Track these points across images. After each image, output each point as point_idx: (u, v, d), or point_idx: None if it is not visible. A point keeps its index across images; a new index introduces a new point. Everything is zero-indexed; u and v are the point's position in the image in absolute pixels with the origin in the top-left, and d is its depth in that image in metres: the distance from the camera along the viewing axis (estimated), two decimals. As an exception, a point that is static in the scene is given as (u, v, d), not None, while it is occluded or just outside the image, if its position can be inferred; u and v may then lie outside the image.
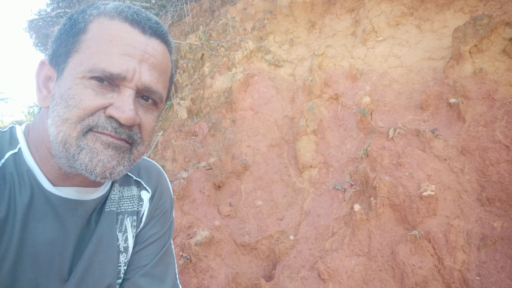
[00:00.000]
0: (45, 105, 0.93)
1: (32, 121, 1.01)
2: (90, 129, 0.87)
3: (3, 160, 0.91)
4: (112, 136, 0.88)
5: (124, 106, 0.87)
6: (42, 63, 0.95)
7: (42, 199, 0.93)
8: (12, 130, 0.98)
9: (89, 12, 0.91)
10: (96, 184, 1.03)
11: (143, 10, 0.96)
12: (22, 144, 0.95)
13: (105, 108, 0.87)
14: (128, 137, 0.91)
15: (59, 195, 0.95)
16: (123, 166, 0.92)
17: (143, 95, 0.93)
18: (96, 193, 1.05)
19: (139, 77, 0.88)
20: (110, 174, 0.89)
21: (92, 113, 0.86)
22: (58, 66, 0.90)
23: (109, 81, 0.87)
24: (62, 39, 0.91)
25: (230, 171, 3.32)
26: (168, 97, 1.08)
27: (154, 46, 0.92)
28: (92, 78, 0.85)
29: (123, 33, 0.88)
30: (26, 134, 0.98)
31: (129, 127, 0.90)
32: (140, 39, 0.90)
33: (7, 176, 0.90)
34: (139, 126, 0.93)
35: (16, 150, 0.94)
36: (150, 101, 0.95)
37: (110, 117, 0.87)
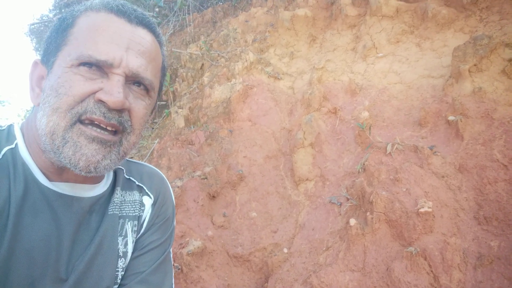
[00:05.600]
0: (37, 103, 0.94)
1: (26, 119, 1.02)
2: (78, 119, 0.87)
3: (0, 156, 0.91)
4: (100, 122, 0.88)
5: (112, 89, 0.87)
6: (35, 63, 0.97)
7: (37, 193, 0.92)
8: (10, 128, 0.99)
9: (77, 8, 0.95)
10: (92, 181, 1.03)
11: (129, 3, 0.99)
12: (19, 139, 0.95)
13: (94, 93, 0.88)
14: (118, 123, 0.91)
15: (54, 189, 0.95)
16: (110, 160, 0.92)
17: (134, 81, 0.94)
18: (93, 191, 1.04)
19: (126, 64, 0.90)
20: (95, 169, 0.89)
21: (82, 100, 0.87)
22: (48, 62, 0.92)
23: (97, 67, 0.88)
24: (52, 37, 0.94)
25: (226, 181, 3.29)
26: (160, 91, 1.09)
27: (140, 34, 0.95)
28: (80, 64, 0.87)
29: (109, 22, 0.91)
30: (22, 130, 0.98)
31: (119, 112, 0.90)
32: (126, 28, 0.92)
33: (4, 170, 0.90)
34: (129, 112, 0.93)
35: (13, 146, 0.94)
36: (142, 86, 0.96)
37: (99, 102, 0.87)
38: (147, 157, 3.99)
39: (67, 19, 0.93)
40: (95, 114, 0.87)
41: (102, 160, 0.89)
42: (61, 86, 0.86)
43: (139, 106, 0.95)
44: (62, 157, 0.87)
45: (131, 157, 3.82)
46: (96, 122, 0.88)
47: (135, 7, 0.98)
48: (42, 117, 0.88)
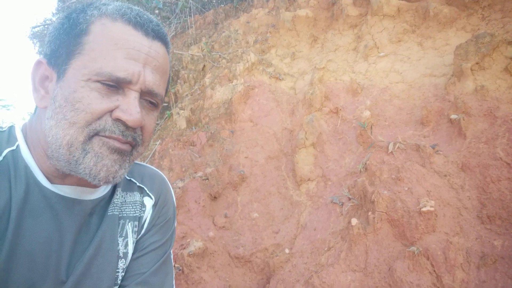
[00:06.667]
0: (42, 106, 0.92)
1: (29, 120, 1.00)
2: (96, 134, 0.87)
3: (0, 158, 0.90)
4: (119, 140, 0.89)
5: (131, 108, 0.87)
6: (39, 63, 0.94)
7: (38, 195, 0.92)
8: (11, 129, 0.98)
9: (90, 12, 0.91)
10: (95, 185, 1.02)
11: (144, 12, 0.96)
12: (20, 141, 0.95)
13: (111, 111, 0.87)
14: (133, 139, 0.92)
15: (56, 192, 0.94)
16: (124, 169, 0.93)
17: (146, 97, 0.94)
18: (95, 194, 1.03)
19: (143, 80, 0.89)
20: (113, 179, 0.90)
21: (99, 117, 0.86)
22: (59, 67, 0.89)
23: (115, 84, 0.87)
24: (62, 39, 0.90)
25: (227, 182, 3.28)
26: (164, 96, 1.08)
27: (156, 48, 0.94)
28: (98, 81, 0.85)
29: (127, 36, 0.89)
30: (24, 132, 0.98)
31: (134, 129, 0.91)
32: (143, 42, 0.91)
33: (5, 172, 0.89)
34: (142, 128, 0.94)
35: (14, 147, 0.93)
36: (151, 102, 0.96)
37: (117, 120, 0.88)
38: (148, 158, 3.99)
39: (81, 23, 0.89)
40: (114, 133, 0.87)
41: (119, 169, 0.91)
42: (78, 102, 0.85)
43: (151, 121, 0.97)
44: (81, 168, 0.86)
45: (133, 159, 3.81)
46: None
47: (150, 16, 0.96)
48: (56, 128, 0.86)
